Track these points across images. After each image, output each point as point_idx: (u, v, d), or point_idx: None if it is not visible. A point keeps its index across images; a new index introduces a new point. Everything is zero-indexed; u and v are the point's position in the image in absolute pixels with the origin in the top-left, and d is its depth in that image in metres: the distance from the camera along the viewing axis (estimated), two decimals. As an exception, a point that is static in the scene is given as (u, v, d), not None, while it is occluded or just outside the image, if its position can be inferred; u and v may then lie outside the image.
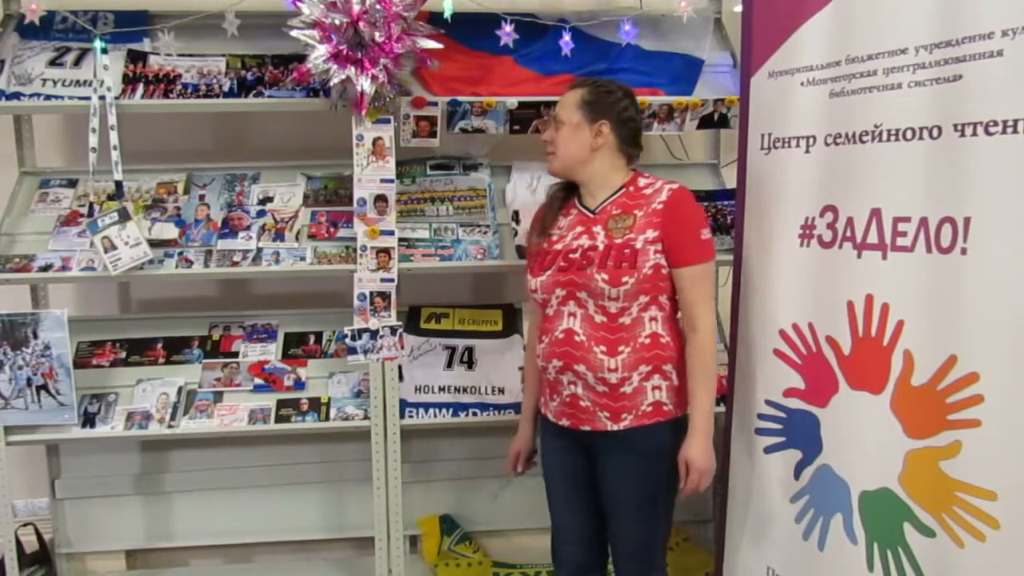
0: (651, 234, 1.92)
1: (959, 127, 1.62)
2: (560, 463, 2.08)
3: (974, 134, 1.59)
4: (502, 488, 2.35)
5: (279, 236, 2.64)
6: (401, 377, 2.67)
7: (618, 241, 1.94)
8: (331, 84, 2.40)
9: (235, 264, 2.57)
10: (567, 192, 2.11)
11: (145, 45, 2.64)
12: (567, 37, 2.59)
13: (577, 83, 2.08)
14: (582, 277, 1.94)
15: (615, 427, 1.94)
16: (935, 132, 1.67)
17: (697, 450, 1.90)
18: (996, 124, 1.55)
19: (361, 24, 2.32)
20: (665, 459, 1.94)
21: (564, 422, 2.02)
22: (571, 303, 1.97)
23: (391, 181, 2.55)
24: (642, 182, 2.02)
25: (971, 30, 1.59)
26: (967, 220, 1.60)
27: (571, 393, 1.98)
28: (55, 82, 2.56)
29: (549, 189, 2.17)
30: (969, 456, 1.62)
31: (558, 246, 2.02)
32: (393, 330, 2.58)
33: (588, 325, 1.95)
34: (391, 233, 2.55)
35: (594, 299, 1.94)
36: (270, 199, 2.73)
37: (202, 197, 2.72)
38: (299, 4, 2.35)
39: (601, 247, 1.95)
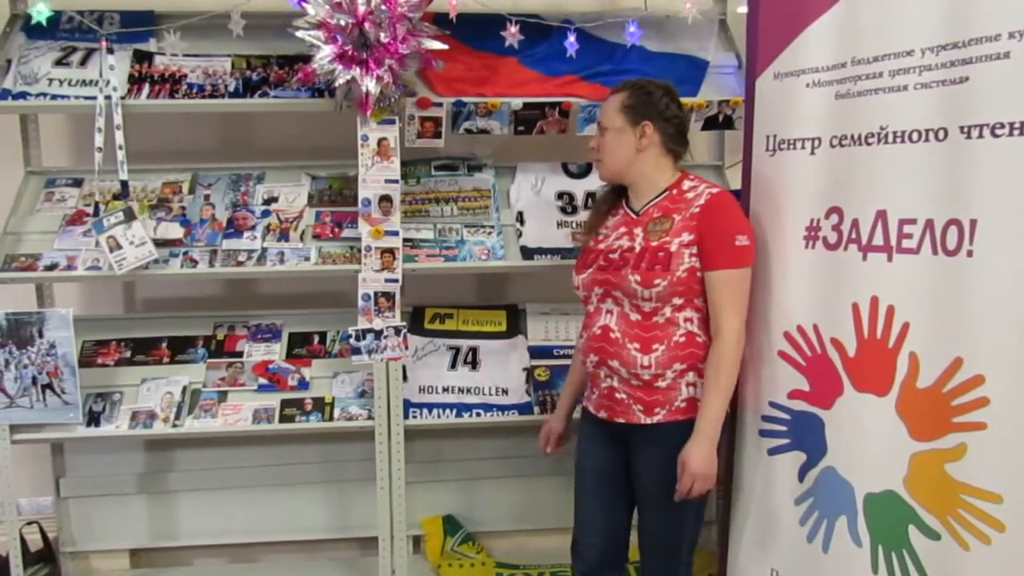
0: (686, 237, 1.96)
1: (965, 129, 1.61)
2: (593, 453, 2.14)
3: (980, 136, 1.58)
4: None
5: (284, 236, 2.64)
6: (405, 377, 2.67)
7: (653, 244, 1.98)
8: (336, 84, 2.41)
9: (240, 264, 2.58)
10: (617, 193, 2.15)
11: (151, 45, 2.65)
12: (572, 38, 2.59)
13: (617, 87, 2.10)
14: (617, 277, 2.00)
15: (648, 420, 1.99)
16: (941, 134, 1.66)
17: (695, 453, 1.90)
18: (1003, 126, 1.55)
19: (366, 25, 2.32)
20: None
21: (602, 414, 2.08)
22: (608, 301, 2.04)
23: (396, 181, 2.55)
24: (686, 184, 2.05)
25: (977, 32, 1.59)
26: (973, 222, 1.60)
27: (608, 386, 2.04)
28: (61, 82, 2.57)
29: (600, 190, 2.23)
30: (975, 459, 1.61)
31: (601, 245, 2.09)
32: (397, 330, 2.58)
33: (623, 323, 2.01)
34: (395, 233, 2.56)
35: (629, 298, 1.99)
36: (275, 199, 2.73)
37: (207, 197, 2.73)
38: (304, 5, 2.35)
39: (637, 248, 2.00)
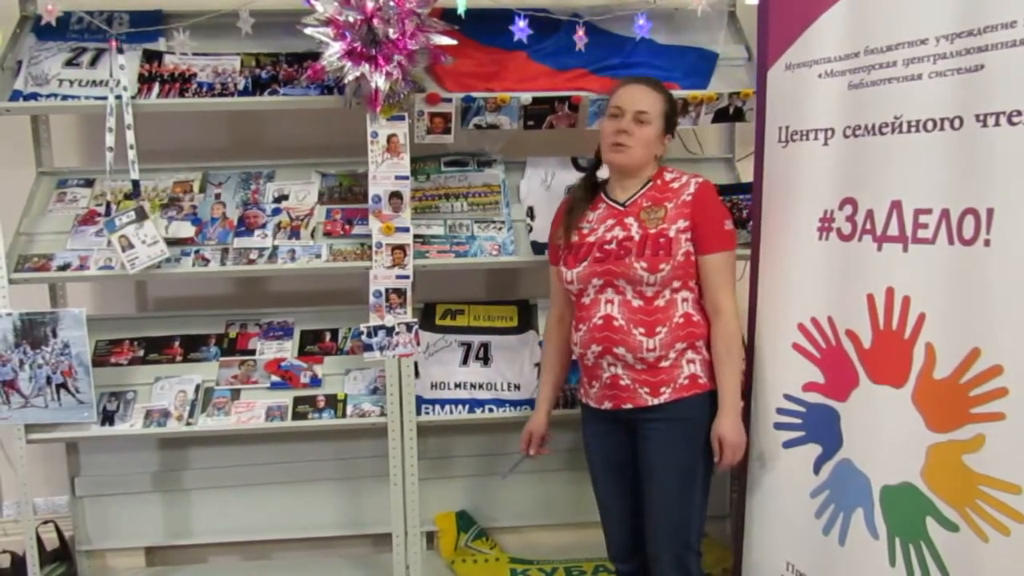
0: (682, 224, 2.06)
1: (981, 117, 1.60)
2: (601, 447, 2.20)
3: (996, 124, 1.57)
4: (512, 468, 2.46)
5: (294, 234, 2.64)
6: (417, 374, 2.67)
7: (652, 231, 2.06)
8: (345, 81, 2.40)
9: (251, 262, 2.58)
10: (591, 190, 2.22)
11: (160, 44, 2.65)
12: (581, 32, 2.57)
13: (651, 83, 2.16)
14: (620, 266, 2.06)
15: (655, 400, 2.05)
16: (956, 123, 1.65)
17: (728, 426, 2.03)
18: (1019, 114, 1.53)
19: (375, 21, 2.32)
20: (702, 430, 2.06)
21: (606, 405, 2.12)
22: (608, 291, 2.09)
23: (406, 178, 2.54)
24: (668, 176, 2.15)
25: (993, 19, 1.57)
26: (990, 211, 1.59)
27: (611, 375, 2.09)
28: (71, 82, 2.58)
29: (574, 187, 2.29)
30: (993, 450, 1.60)
31: (591, 238, 2.13)
32: (409, 327, 2.58)
33: (626, 310, 2.06)
34: (406, 230, 2.55)
35: (632, 286, 2.06)
36: (285, 197, 2.73)
37: (218, 195, 2.73)
38: (313, 2, 2.35)
39: (637, 237, 2.07)
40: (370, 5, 2.31)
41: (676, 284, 2.06)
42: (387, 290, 2.56)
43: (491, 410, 2.70)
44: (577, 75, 2.66)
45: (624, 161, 2.12)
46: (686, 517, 2.08)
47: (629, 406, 2.08)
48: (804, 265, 2.03)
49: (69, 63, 2.60)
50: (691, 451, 2.06)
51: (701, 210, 2.06)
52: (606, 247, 2.09)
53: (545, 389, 2.36)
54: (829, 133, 1.94)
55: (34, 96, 2.55)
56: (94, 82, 2.58)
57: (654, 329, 2.04)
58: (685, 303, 2.07)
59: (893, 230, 1.78)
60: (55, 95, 2.56)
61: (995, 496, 1.60)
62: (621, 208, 2.13)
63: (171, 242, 2.54)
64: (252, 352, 2.76)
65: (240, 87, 2.62)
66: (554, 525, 3.03)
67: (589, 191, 2.23)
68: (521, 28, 2.53)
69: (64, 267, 2.52)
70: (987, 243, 1.59)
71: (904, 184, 1.76)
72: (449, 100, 2.57)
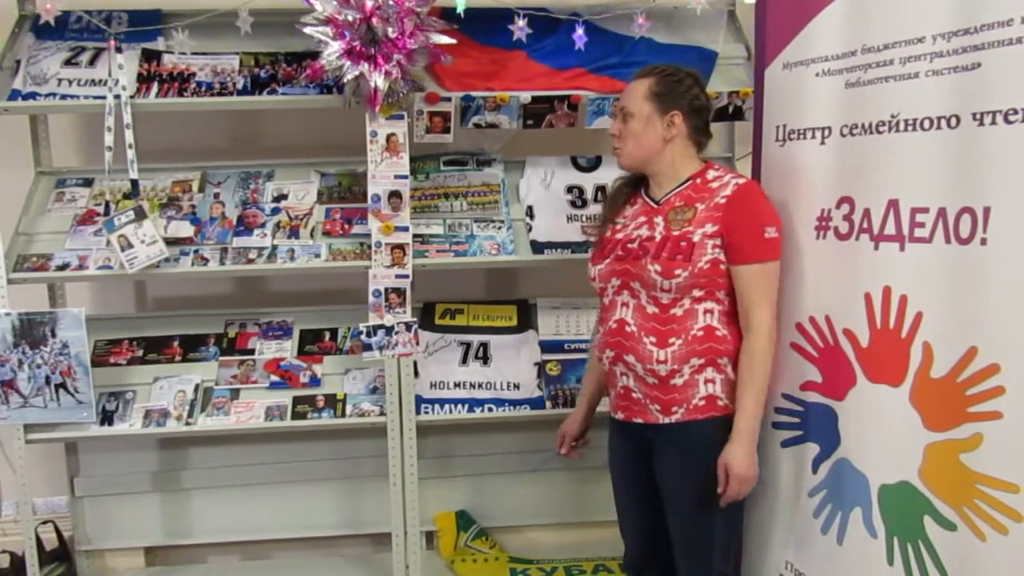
0: (710, 228, 1.88)
1: (978, 116, 1.59)
2: (619, 458, 2.10)
3: (993, 123, 1.56)
4: (541, 463, 2.51)
5: (294, 233, 2.64)
6: (416, 373, 2.67)
7: (675, 233, 1.90)
8: (344, 81, 2.41)
9: (250, 261, 2.59)
10: (634, 185, 2.08)
11: (159, 44, 2.66)
12: (580, 31, 2.58)
13: (643, 72, 2.00)
14: (636, 267, 1.92)
15: (666, 420, 1.92)
16: (953, 121, 1.64)
17: (737, 455, 1.85)
18: (1016, 112, 1.53)
19: (374, 20, 2.32)
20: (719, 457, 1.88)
21: (619, 415, 2.02)
22: (625, 293, 1.96)
23: (405, 177, 2.55)
24: (711, 174, 1.97)
25: (990, 17, 1.57)
26: (986, 210, 1.58)
27: (624, 385, 1.98)
28: (70, 82, 2.58)
29: (614, 182, 2.15)
30: (990, 449, 1.60)
31: (619, 235, 2.01)
32: (408, 326, 2.58)
33: (639, 315, 1.93)
34: (405, 229, 2.56)
35: (647, 290, 1.91)
36: (284, 196, 2.74)
37: (217, 195, 2.74)
38: (312, 1, 2.35)
39: (658, 238, 1.92)
40: (369, 4, 2.31)
41: (697, 293, 1.88)
42: (386, 289, 2.57)
43: (490, 409, 2.70)
44: (576, 74, 2.67)
45: (623, 163, 2.02)
46: (707, 542, 1.95)
47: (640, 420, 1.96)
48: (802, 264, 2.02)
49: (68, 62, 2.61)
50: (707, 478, 1.88)
51: (735, 215, 1.87)
52: (629, 245, 1.96)
53: (583, 391, 2.26)
54: (826, 132, 1.94)
55: (33, 95, 2.56)
56: (93, 81, 2.58)
57: (666, 340, 1.88)
58: (708, 315, 1.90)
59: (890, 229, 1.77)
60: (54, 94, 2.56)
61: (993, 495, 1.59)
62: (655, 206, 1.98)
63: (170, 242, 2.54)
64: (251, 352, 2.76)
65: (239, 86, 2.62)
66: (554, 524, 3.04)
67: (631, 185, 2.08)
68: (520, 27, 2.54)
69: (63, 267, 2.53)
70: (984, 242, 1.58)
71: (901, 183, 1.76)
72: (448, 99, 2.58)
